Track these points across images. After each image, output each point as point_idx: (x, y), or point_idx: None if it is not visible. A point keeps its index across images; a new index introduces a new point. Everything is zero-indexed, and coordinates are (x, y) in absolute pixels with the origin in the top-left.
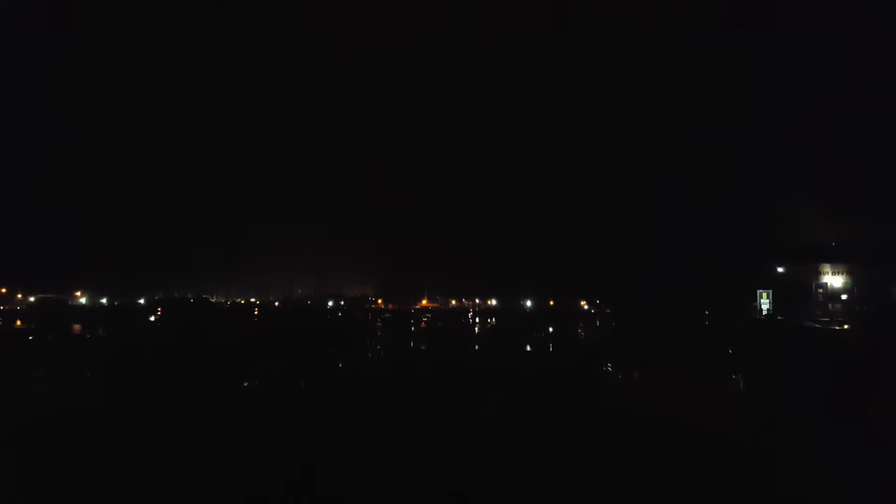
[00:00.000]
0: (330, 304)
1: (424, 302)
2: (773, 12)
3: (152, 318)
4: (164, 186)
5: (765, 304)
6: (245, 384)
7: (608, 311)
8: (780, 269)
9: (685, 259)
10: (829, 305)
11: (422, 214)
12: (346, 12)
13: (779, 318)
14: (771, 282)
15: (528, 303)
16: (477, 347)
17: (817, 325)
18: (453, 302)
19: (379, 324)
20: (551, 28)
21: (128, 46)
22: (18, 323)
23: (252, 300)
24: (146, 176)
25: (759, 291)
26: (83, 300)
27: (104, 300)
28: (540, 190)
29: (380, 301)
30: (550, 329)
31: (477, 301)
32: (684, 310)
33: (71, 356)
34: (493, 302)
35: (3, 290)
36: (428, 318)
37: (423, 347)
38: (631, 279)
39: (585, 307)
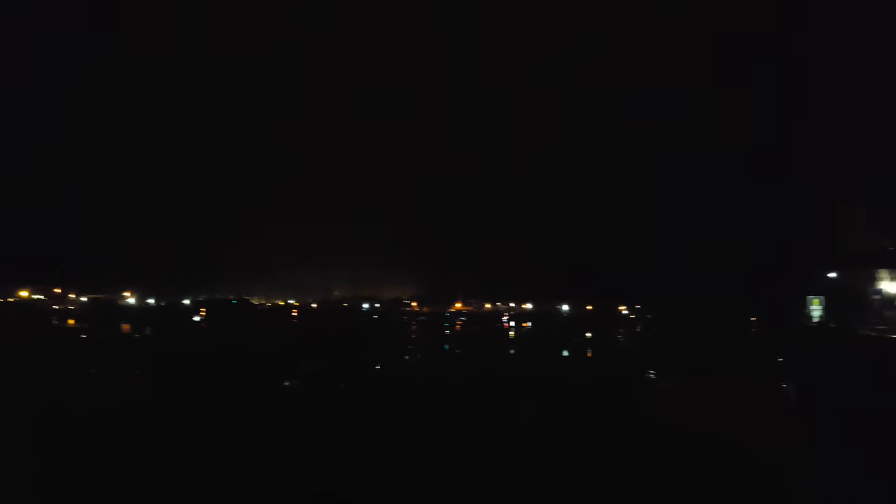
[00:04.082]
0: (365, 306)
1: (459, 305)
2: None
3: (196, 318)
4: (208, 190)
5: (816, 310)
6: (286, 384)
7: (649, 316)
8: (832, 275)
9: (732, 263)
10: (886, 313)
11: (457, 217)
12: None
13: (831, 325)
14: (823, 287)
15: (565, 307)
16: (512, 352)
17: (873, 334)
18: (488, 305)
19: (414, 326)
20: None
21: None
22: (71, 322)
23: (290, 302)
24: (190, 181)
25: (809, 298)
26: (132, 300)
27: (151, 300)
28: (580, 191)
29: (414, 304)
30: (588, 334)
31: (512, 305)
32: (730, 316)
33: (121, 355)
34: (529, 306)
35: (58, 291)
36: (463, 321)
37: (457, 351)
38: (674, 283)
39: (625, 312)
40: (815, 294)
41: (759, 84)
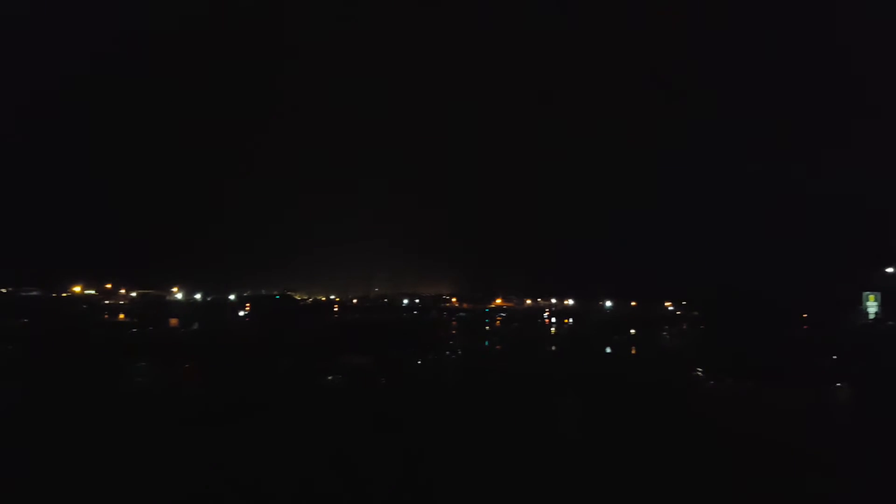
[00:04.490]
0: (405, 302)
1: (499, 301)
2: None
3: (242, 314)
4: (252, 187)
5: (871, 307)
6: (329, 378)
7: (696, 313)
8: (889, 270)
9: (783, 258)
10: None
11: (497, 212)
12: None
13: (889, 323)
14: (879, 283)
15: (608, 303)
16: (554, 349)
17: None
18: (528, 301)
19: (454, 322)
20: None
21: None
22: (121, 316)
23: (332, 297)
24: (234, 178)
25: (865, 294)
26: (179, 296)
27: (198, 296)
28: (623, 184)
29: (454, 300)
30: (633, 331)
31: (553, 301)
32: (781, 313)
33: (170, 348)
34: (571, 302)
35: (109, 286)
36: (503, 317)
37: (497, 347)
38: (723, 280)
39: (671, 308)
40: (871, 290)
41: (814, 85)
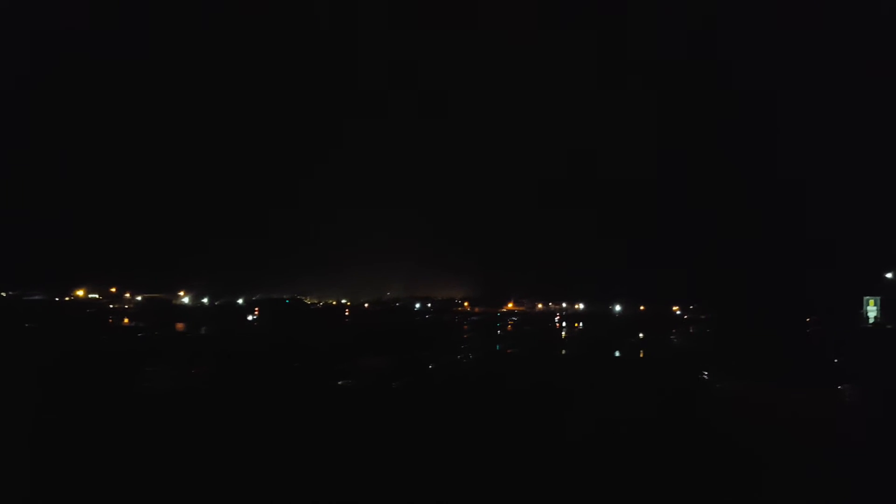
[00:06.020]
0: (417, 306)
1: (511, 305)
2: None
3: (250, 318)
4: (258, 188)
5: (872, 311)
6: (339, 382)
7: (703, 316)
8: (888, 275)
9: (786, 262)
10: None
11: (509, 217)
12: None
13: (888, 326)
14: (879, 288)
15: (618, 307)
16: (564, 352)
17: None
18: (540, 305)
19: (466, 326)
20: None
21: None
22: (126, 321)
23: (343, 301)
24: (243, 178)
25: (865, 298)
26: (186, 300)
27: (205, 300)
28: (629, 187)
29: (466, 304)
30: (641, 335)
31: (564, 305)
32: (785, 317)
33: (177, 353)
34: (581, 306)
35: (114, 290)
36: (514, 321)
37: (508, 350)
38: (728, 283)
39: (678, 312)
40: (872, 294)
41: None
